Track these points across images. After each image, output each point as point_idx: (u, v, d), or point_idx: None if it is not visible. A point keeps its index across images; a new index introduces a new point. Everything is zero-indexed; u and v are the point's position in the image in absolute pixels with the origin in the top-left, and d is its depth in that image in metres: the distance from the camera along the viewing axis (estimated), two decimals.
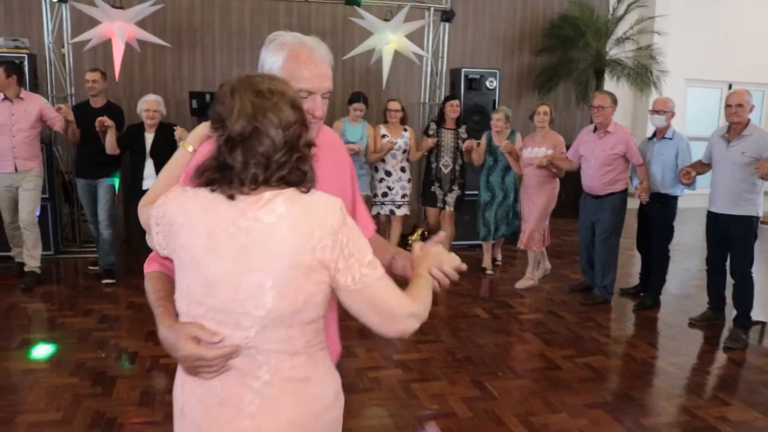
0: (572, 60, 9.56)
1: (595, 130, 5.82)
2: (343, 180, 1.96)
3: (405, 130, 6.75)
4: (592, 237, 5.93)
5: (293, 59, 1.72)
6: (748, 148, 4.89)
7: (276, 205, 1.46)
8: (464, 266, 1.76)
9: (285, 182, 1.49)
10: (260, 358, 1.51)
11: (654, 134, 5.79)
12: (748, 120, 4.98)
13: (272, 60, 1.75)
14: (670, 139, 5.64)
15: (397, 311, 1.56)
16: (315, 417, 1.57)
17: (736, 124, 4.99)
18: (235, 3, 8.02)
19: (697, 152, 5.62)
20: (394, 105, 6.72)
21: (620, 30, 9.69)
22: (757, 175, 4.82)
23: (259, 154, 1.45)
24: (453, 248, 7.27)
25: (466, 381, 4.22)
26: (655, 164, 5.63)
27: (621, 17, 9.62)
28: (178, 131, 5.43)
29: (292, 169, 1.49)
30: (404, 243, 7.65)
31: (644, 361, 4.70)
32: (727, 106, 5.02)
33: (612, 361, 4.73)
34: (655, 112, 5.68)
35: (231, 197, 1.47)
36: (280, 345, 1.51)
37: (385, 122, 6.76)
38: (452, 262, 1.74)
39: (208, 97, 6.93)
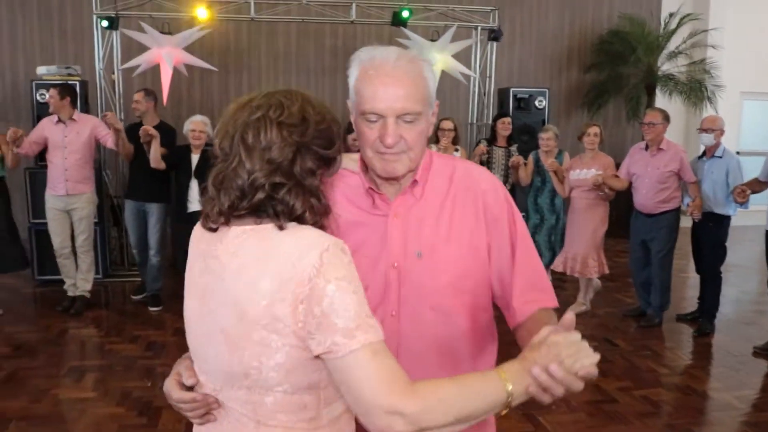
0: (622, 76, 9.36)
1: (647, 147, 5.65)
2: (474, 235, 1.58)
3: (456, 150, 6.65)
4: (645, 257, 5.75)
5: (362, 77, 1.49)
6: None
7: (238, 242, 1.25)
8: (593, 373, 1.20)
9: (260, 215, 1.25)
10: (235, 418, 1.31)
11: (704, 153, 5.63)
12: (718, 143, 4.80)
13: (349, 81, 1.55)
14: (720, 157, 5.48)
15: (370, 401, 1.14)
16: None
17: None
18: (281, 26, 8.06)
19: (751, 167, 5.44)
20: (448, 124, 6.59)
21: (672, 44, 9.46)
22: None
23: (230, 175, 1.25)
24: None
25: (517, 415, 4.06)
26: (706, 183, 5.47)
27: (673, 31, 9.38)
28: None
29: (270, 199, 1.23)
30: None
31: (705, 393, 4.48)
32: None
33: (671, 393, 4.52)
34: (703, 130, 5.54)
35: (210, 229, 1.29)
36: (243, 408, 1.29)
37: (436, 142, 6.67)
38: (573, 365, 1.19)
39: None
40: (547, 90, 7.72)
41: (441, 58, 7.36)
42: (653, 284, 5.76)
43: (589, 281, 6.10)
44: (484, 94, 8.04)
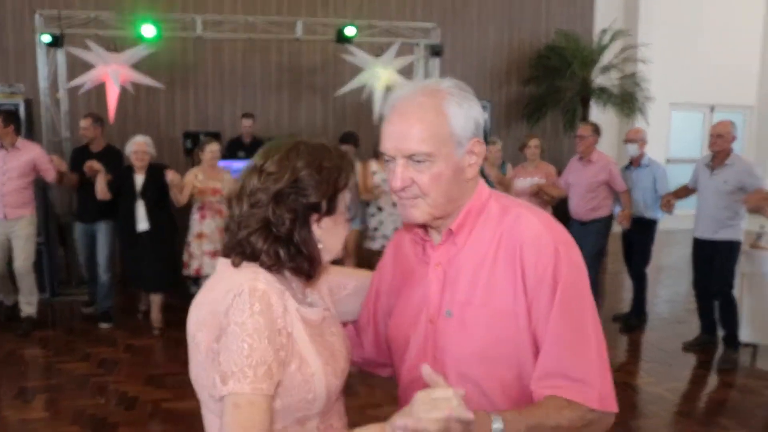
0: (559, 89, 9.72)
1: (581, 158, 5.96)
2: (513, 299, 1.36)
3: None
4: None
5: (386, 116, 1.41)
6: (730, 177, 5.02)
7: (212, 273, 1.40)
8: (430, 425, 1.07)
9: (234, 253, 1.36)
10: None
11: (631, 162, 5.98)
12: (731, 149, 5.11)
13: None
14: (647, 166, 5.87)
15: None
16: None
17: (718, 153, 5.12)
18: (227, 43, 8.14)
19: (680, 174, 5.81)
20: None
21: (605, 59, 9.88)
22: (745, 208, 4.93)
23: (231, 217, 1.39)
24: None
25: None
26: (635, 191, 5.85)
27: (605, 47, 9.80)
28: (170, 174, 5.50)
29: (241, 242, 1.35)
30: None
31: (640, 388, 4.74)
32: (710, 135, 5.18)
33: None
34: (628, 141, 5.92)
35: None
36: (208, 428, 1.39)
37: (376, 157, 6.84)
38: (413, 422, 1.08)
39: (202, 137, 6.99)
40: (488, 103, 7.99)
41: (385, 73, 7.55)
42: None
43: None
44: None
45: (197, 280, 6.15)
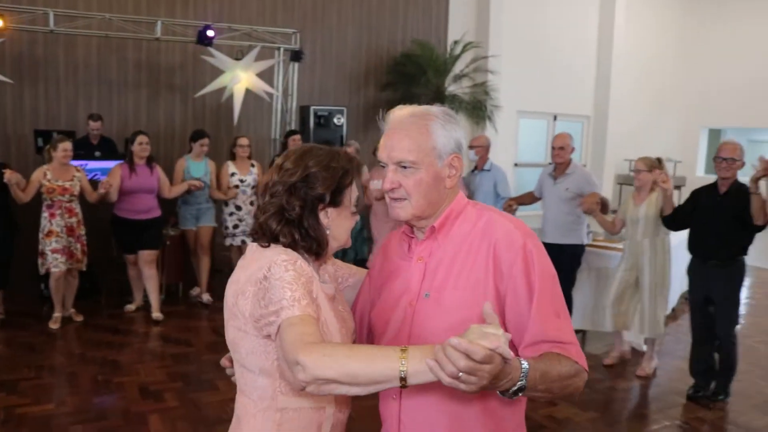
0: (414, 95, 10.16)
1: (474, 169, 6.46)
2: (483, 284, 1.62)
3: (253, 165, 7.03)
4: None
5: (383, 132, 1.73)
6: (571, 185, 5.61)
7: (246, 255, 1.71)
8: (480, 351, 1.23)
9: (257, 236, 1.69)
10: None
11: (474, 167, 6.51)
12: (570, 160, 5.69)
13: None
14: (489, 170, 6.39)
15: (286, 356, 1.43)
16: None
17: (559, 164, 5.69)
18: (80, 38, 7.91)
19: (527, 178, 6.37)
20: (245, 141, 6.97)
21: (457, 68, 10.47)
22: (581, 209, 5.53)
23: (258, 207, 1.73)
24: None
25: None
26: (478, 194, 6.35)
27: (458, 57, 10.38)
28: (8, 174, 5.40)
29: (262, 225, 1.67)
30: None
31: None
32: (552, 148, 5.73)
33: None
34: (471, 147, 6.41)
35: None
36: (237, 378, 1.73)
37: (233, 159, 6.96)
38: (466, 344, 1.24)
39: (54, 135, 6.79)
40: (345, 108, 8.30)
41: (245, 76, 7.67)
42: None
43: None
44: (287, 112, 8.46)
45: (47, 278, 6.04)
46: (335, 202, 1.68)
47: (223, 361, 1.86)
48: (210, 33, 7.42)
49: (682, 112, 14.43)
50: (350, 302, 1.91)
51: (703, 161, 14.33)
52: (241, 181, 6.89)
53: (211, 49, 7.52)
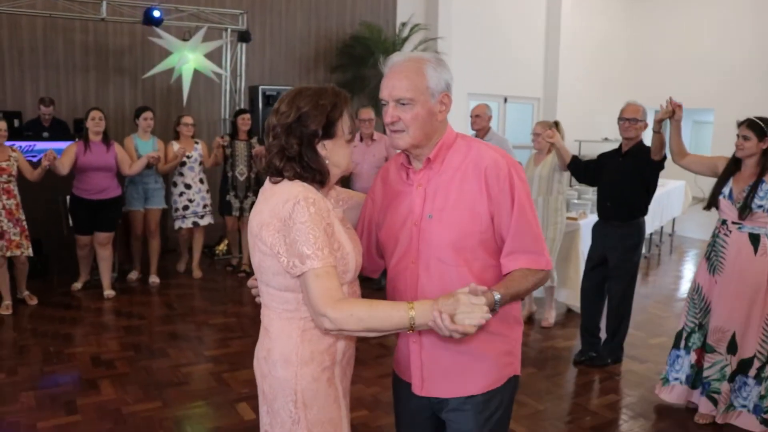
0: (365, 77, 10.33)
1: (362, 139, 6.71)
2: (477, 204, 1.93)
3: (197, 143, 7.09)
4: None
5: (384, 74, 1.98)
6: None
7: (263, 190, 1.93)
8: (467, 329, 1.61)
9: (267, 173, 1.90)
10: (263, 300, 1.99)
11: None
12: (489, 127, 6.09)
13: None
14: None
15: (312, 306, 1.73)
16: (263, 359, 1.95)
17: (478, 131, 6.09)
18: (25, 19, 7.86)
19: None
20: (189, 119, 7.02)
21: (406, 50, 10.63)
22: None
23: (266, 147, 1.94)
24: None
25: None
26: None
27: (406, 38, 10.55)
28: None
29: (268, 164, 1.88)
30: (211, 254, 7.96)
31: None
32: (471, 117, 6.24)
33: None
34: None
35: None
36: (262, 296, 1.97)
37: (176, 138, 7.00)
38: (461, 320, 1.61)
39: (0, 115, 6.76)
40: (292, 87, 8.39)
41: (193, 57, 7.73)
42: None
43: None
44: (236, 92, 8.54)
45: None
46: (329, 134, 1.88)
47: (251, 282, 2.10)
48: (156, 13, 7.44)
49: (629, 95, 14.72)
50: (351, 221, 2.15)
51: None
52: (188, 157, 6.94)
53: (159, 30, 7.55)
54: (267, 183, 1.92)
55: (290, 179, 1.86)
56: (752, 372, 3.85)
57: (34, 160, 6.48)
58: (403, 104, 1.91)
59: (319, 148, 1.88)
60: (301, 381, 1.88)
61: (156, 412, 3.99)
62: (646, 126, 4.72)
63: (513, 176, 1.92)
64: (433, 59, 1.95)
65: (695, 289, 4.08)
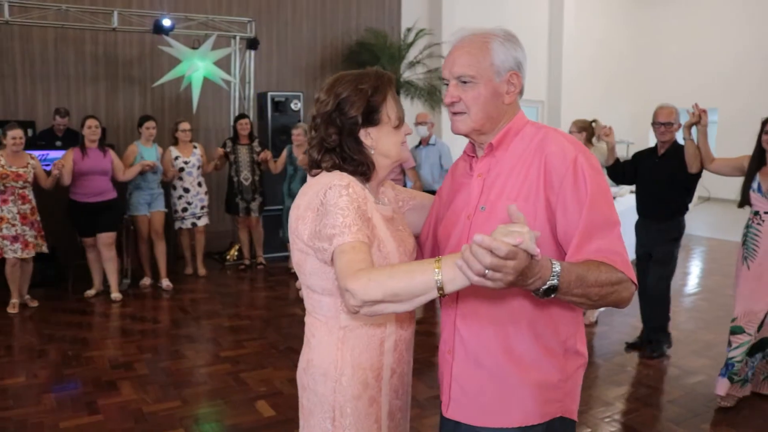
0: None
1: None
2: (534, 193, 1.65)
3: (195, 147, 7.19)
4: None
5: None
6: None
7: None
8: (503, 247, 1.24)
9: (311, 167, 1.80)
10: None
11: (420, 142, 6.88)
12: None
13: None
14: (434, 144, 6.85)
15: (339, 282, 1.52)
16: (303, 371, 1.82)
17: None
18: (37, 30, 7.99)
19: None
20: (186, 125, 7.12)
21: (411, 55, 10.74)
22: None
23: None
24: (267, 260, 7.82)
25: (289, 365, 4.73)
26: (425, 167, 6.82)
27: (411, 44, 10.66)
28: None
29: (308, 156, 1.79)
30: (222, 260, 8.04)
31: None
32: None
33: None
34: (419, 123, 6.80)
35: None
36: (305, 300, 1.83)
37: (175, 143, 7.10)
38: (489, 240, 1.24)
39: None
40: (301, 93, 8.50)
41: (203, 65, 7.83)
42: None
43: None
44: (244, 99, 8.64)
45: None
46: (372, 121, 1.73)
47: (298, 283, 1.92)
48: (167, 22, 7.54)
49: (633, 96, 14.92)
50: (412, 224, 1.96)
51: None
52: (186, 162, 7.05)
53: (168, 39, 7.65)
54: (309, 179, 1.81)
55: (328, 170, 1.73)
56: None
57: (47, 168, 6.57)
58: (464, 82, 1.70)
59: (363, 137, 1.74)
60: (339, 397, 1.72)
61: (176, 411, 4.05)
62: (679, 127, 4.81)
63: (580, 166, 1.63)
64: (502, 34, 1.73)
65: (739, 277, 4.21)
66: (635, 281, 1.59)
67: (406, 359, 1.83)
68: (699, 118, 4.35)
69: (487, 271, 1.26)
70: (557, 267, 1.41)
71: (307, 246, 1.68)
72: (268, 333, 5.52)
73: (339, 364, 1.71)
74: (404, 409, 1.86)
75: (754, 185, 4.06)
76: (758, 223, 4.05)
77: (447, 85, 1.74)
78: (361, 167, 1.73)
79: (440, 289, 1.36)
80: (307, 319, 1.82)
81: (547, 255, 1.49)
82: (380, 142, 1.74)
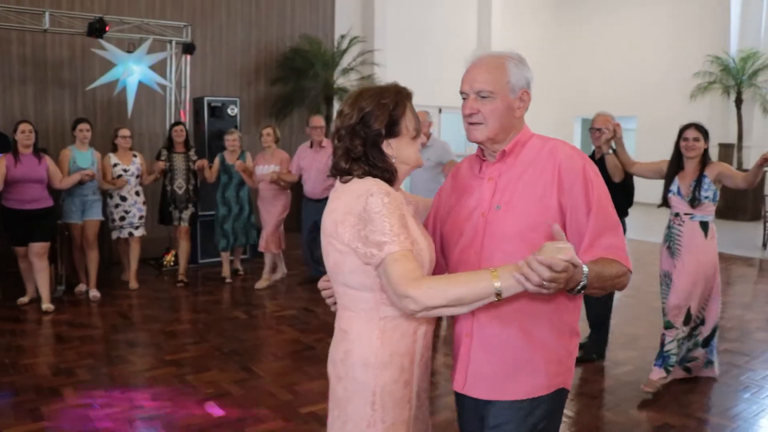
0: (305, 89, 10.53)
1: (311, 145, 6.89)
2: (546, 196, 1.90)
3: (135, 156, 7.04)
4: (314, 234, 6.80)
5: (466, 69, 1.99)
6: (432, 155, 6.20)
7: (333, 190, 1.96)
8: (555, 262, 1.56)
9: (335, 174, 1.92)
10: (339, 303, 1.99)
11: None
12: (431, 134, 6.37)
13: None
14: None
15: (394, 291, 1.71)
16: (340, 362, 1.93)
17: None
18: None
19: None
20: (126, 132, 6.94)
21: (345, 62, 10.89)
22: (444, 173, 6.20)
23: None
24: (200, 266, 7.81)
25: (235, 368, 4.79)
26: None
27: (345, 51, 10.81)
28: None
29: (335, 165, 1.91)
30: (159, 265, 7.98)
31: None
32: None
33: None
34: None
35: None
36: (338, 297, 1.97)
37: (114, 150, 7.00)
38: (548, 258, 1.56)
39: None
40: (237, 99, 8.51)
41: (138, 69, 7.77)
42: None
43: (274, 258, 7.14)
44: (180, 103, 8.59)
45: None
46: (393, 133, 1.88)
47: (322, 283, 2.11)
48: (101, 25, 7.44)
49: (556, 104, 15.50)
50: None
51: (579, 146, 15.41)
52: (125, 170, 6.90)
53: (102, 42, 7.56)
54: (337, 183, 1.94)
55: (360, 177, 1.87)
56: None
57: None
58: (483, 97, 1.92)
59: (385, 147, 1.89)
60: (380, 382, 1.88)
61: (125, 414, 4.06)
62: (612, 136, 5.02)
63: (588, 174, 1.91)
64: (515, 56, 1.98)
65: (665, 275, 4.53)
66: (630, 265, 1.91)
67: (430, 345, 2.03)
68: (614, 133, 4.70)
69: (544, 282, 1.57)
70: (586, 269, 1.72)
71: (347, 247, 1.82)
72: (210, 336, 5.56)
73: (379, 353, 1.87)
74: (427, 389, 2.06)
75: (674, 188, 4.40)
76: (679, 224, 4.40)
77: (465, 98, 1.96)
78: (386, 174, 1.89)
79: (498, 294, 1.64)
80: (342, 314, 1.97)
81: None
82: (400, 151, 1.92)
